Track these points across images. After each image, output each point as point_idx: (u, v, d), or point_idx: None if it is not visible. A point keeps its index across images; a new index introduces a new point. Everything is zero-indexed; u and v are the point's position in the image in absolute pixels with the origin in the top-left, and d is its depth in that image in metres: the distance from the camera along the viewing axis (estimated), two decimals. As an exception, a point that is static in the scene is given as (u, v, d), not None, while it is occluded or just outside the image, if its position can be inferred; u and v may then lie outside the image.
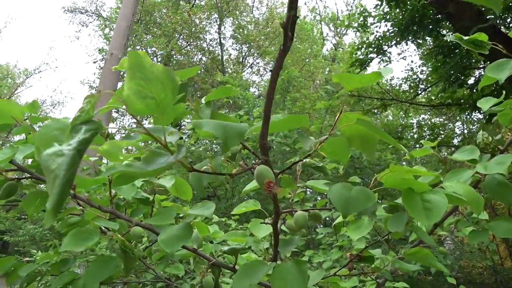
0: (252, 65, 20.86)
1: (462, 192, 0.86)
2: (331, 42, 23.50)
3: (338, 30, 23.04)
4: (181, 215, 1.33)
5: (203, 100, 0.87)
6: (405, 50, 10.41)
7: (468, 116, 11.50)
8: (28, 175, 1.05)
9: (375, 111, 11.10)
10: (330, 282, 1.23)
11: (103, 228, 1.34)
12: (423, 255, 1.09)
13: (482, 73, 8.11)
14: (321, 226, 5.43)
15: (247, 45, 19.49)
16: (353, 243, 2.55)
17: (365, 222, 1.28)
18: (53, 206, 0.38)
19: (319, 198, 6.06)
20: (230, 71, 19.08)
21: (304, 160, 1.12)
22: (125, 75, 0.46)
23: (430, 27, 7.52)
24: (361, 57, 9.40)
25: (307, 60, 17.52)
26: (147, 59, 0.43)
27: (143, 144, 0.56)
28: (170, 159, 0.45)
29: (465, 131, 12.60)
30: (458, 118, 12.22)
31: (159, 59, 18.14)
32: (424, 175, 1.01)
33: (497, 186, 1.05)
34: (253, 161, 0.76)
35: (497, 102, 1.23)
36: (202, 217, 2.21)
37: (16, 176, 1.05)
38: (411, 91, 10.61)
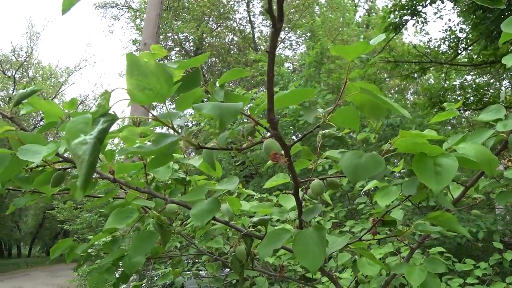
0: (284, 39, 20.59)
1: (473, 153, 0.87)
2: (364, 8, 22.65)
3: (368, -6, 22.13)
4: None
5: (217, 83, 0.93)
6: (442, 9, 9.81)
7: (516, 73, 10.80)
8: (72, 164, 1.17)
9: (415, 75, 10.70)
10: (357, 248, 1.29)
11: (146, 209, 1.46)
12: (445, 219, 1.11)
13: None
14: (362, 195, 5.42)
15: (277, 20, 19.19)
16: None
17: (393, 189, 1.31)
18: (82, 184, 0.47)
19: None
20: (262, 48, 18.96)
21: (323, 132, 1.16)
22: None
23: None
24: (395, 20, 9.03)
25: (340, 29, 17.05)
26: (141, 58, 0.51)
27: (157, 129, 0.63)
28: (174, 138, 0.52)
29: (514, 89, 11.86)
30: (504, 76, 11.52)
31: (191, 44, 18.34)
32: (432, 139, 1.03)
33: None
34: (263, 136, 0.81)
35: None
36: (244, 194, 2.31)
37: (62, 167, 1.18)
38: (451, 51, 10.09)
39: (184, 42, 18.38)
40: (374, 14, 21.12)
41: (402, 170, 1.12)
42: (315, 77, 9.13)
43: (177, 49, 18.62)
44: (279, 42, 20.70)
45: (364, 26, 20.07)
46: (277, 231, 1.01)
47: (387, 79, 10.48)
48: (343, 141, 1.22)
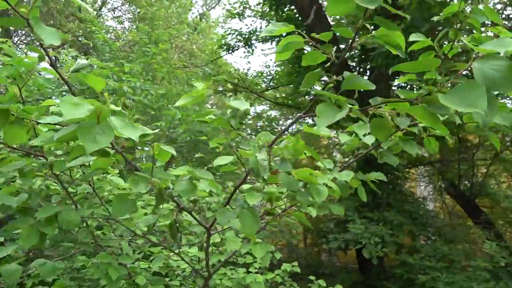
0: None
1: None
2: (198, 11, 23.52)
3: (208, 1, 23.16)
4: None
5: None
6: (270, 49, 11.54)
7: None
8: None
9: (227, 94, 11.96)
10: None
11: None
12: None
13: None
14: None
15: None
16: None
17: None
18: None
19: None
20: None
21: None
22: None
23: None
24: (230, 42, 10.06)
25: (173, 22, 17.25)
26: None
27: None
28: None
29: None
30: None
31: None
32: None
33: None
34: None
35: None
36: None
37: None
38: (263, 85, 11.84)
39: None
40: (204, 21, 22.21)
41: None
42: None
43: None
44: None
45: (193, 28, 20.85)
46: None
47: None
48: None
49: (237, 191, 1.49)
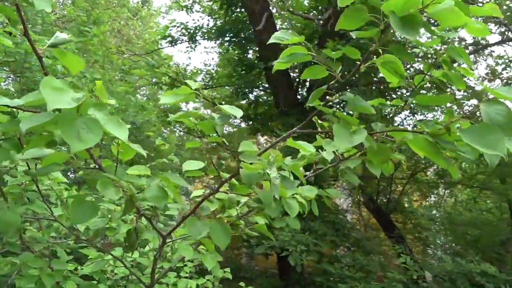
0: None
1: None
2: (139, -4, 22.51)
3: (151, -12, 22.29)
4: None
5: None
6: (213, 47, 11.39)
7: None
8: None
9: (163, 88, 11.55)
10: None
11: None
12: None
13: (261, 93, 9.87)
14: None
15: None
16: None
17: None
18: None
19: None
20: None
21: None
22: None
23: (243, 42, 8.66)
24: (175, 34, 9.73)
25: (114, 4, 16.31)
26: None
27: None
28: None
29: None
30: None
31: None
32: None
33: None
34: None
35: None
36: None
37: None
38: (202, 83, 11.64)
39: None
40: (146, 8, 21.35)
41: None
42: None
43: None
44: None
45: (134, 13, 19.92)
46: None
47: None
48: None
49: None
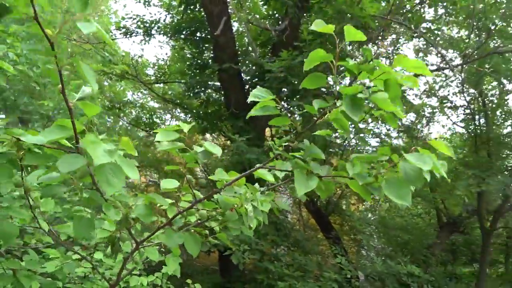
0: None
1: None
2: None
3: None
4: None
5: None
6: (167, 42, 11.30)
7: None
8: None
9: (112, 78, 11.29)
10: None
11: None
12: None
13: (213, 93, 10.03)
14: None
15: None
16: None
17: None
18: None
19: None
20: None
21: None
22: None
23: (199, 41, 8.78)
24: (129, 26, 9.59)
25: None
26: None
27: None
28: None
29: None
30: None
31: None
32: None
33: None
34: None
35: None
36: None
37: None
38: (153, 77, 11.53)
39: None
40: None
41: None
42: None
43: None
44: None
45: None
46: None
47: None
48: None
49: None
